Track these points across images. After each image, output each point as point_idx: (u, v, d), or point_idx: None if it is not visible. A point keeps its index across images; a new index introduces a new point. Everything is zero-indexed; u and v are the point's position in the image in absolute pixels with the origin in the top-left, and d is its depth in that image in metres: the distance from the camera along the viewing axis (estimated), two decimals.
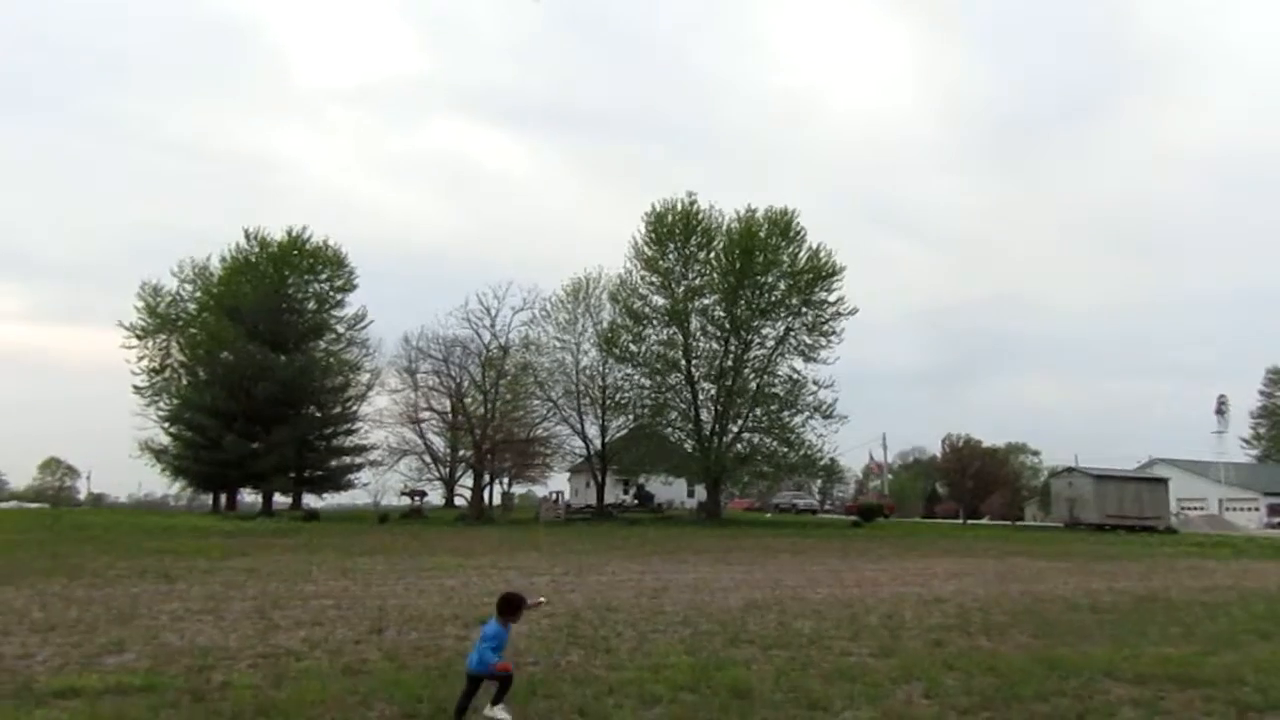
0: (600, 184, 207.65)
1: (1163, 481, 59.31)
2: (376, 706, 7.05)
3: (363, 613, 12.54)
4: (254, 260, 62.03)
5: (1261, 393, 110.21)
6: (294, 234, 62.46)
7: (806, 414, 53.93)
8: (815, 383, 54.10)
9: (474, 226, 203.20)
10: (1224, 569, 24.96)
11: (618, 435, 60.06)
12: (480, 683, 6.63)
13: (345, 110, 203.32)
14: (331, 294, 64.63)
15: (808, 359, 54.41)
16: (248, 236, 62.75)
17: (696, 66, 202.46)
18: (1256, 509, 75.79)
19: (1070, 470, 58.95)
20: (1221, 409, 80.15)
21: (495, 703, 6.63)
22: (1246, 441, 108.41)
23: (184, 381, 63.00)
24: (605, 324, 56.64)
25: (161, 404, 63.72)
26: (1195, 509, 74.28)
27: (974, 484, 68.31)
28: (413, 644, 10.04)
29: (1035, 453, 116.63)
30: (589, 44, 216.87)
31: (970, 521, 65.38)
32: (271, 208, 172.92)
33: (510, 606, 6.92)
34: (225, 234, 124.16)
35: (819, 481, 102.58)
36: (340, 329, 65.10)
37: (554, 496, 64.21)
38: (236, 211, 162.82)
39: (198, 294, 65.33)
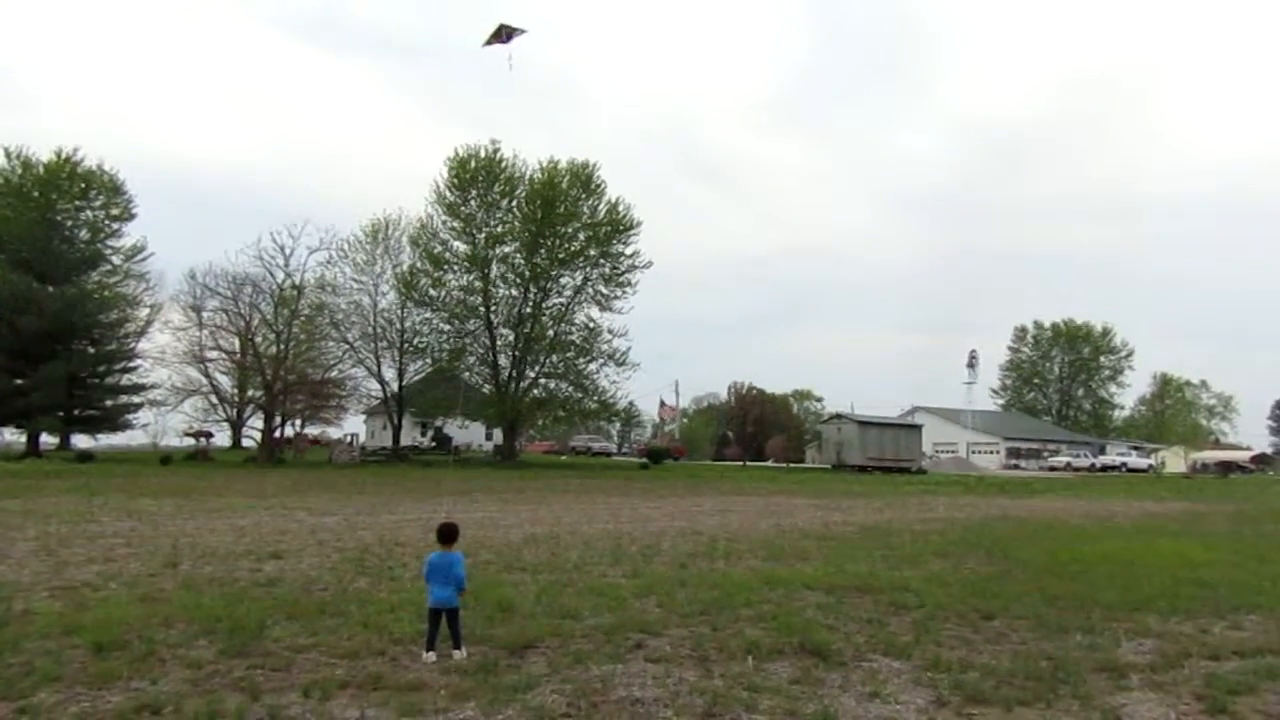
0: (405, 115, 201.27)
1: (917, 427, 65.77)
2: (177, 626, 7.97)
3: (154, 550, 13.10)
4: (16, 182, 56.88)
5: (1010, 348, 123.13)
6: (63, 155, 57.68)
7: (601, 361, 56.23)
8: (610, 331, 56.55)
9: (266, 153, 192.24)
10: (948, 503, 28.83)
11: (416, 378, 60.12)
12: (441, 617, 7.16)
13: (122, 12, 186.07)
14: (107, 223, 60.33)
15: (604, 308, 56.59)
16: (8, 155, 57.39)
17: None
18: (997, 451, 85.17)
19: (838, 416, 64.38)
20: (972, 362, 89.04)
21: (456, 645, 7.18)
22: (995, 391, 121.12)
23: None
24: (405, 267, 56.32)
25: None
26: (947, 452, 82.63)
27: (755, 428, 73.08)
28: (208, 576, 10.85)
29: (819, 399, 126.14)
30: None
31: (751, 464, 69.97)
32: (33, 122, 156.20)
33: (451, 532, 7.44)
34: None
35: (617, 425, 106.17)
36: (117, 260, 61.07)
37: (348, 438, 63.71)
38: None
39: None
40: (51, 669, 6.50)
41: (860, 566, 12.80)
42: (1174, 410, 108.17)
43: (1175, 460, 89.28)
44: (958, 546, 15.75)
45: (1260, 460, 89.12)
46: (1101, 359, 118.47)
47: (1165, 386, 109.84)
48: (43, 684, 6.18)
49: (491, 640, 7.70)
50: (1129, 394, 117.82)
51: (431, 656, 7.07)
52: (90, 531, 15.39)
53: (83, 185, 58.80)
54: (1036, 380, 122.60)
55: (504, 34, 19.84)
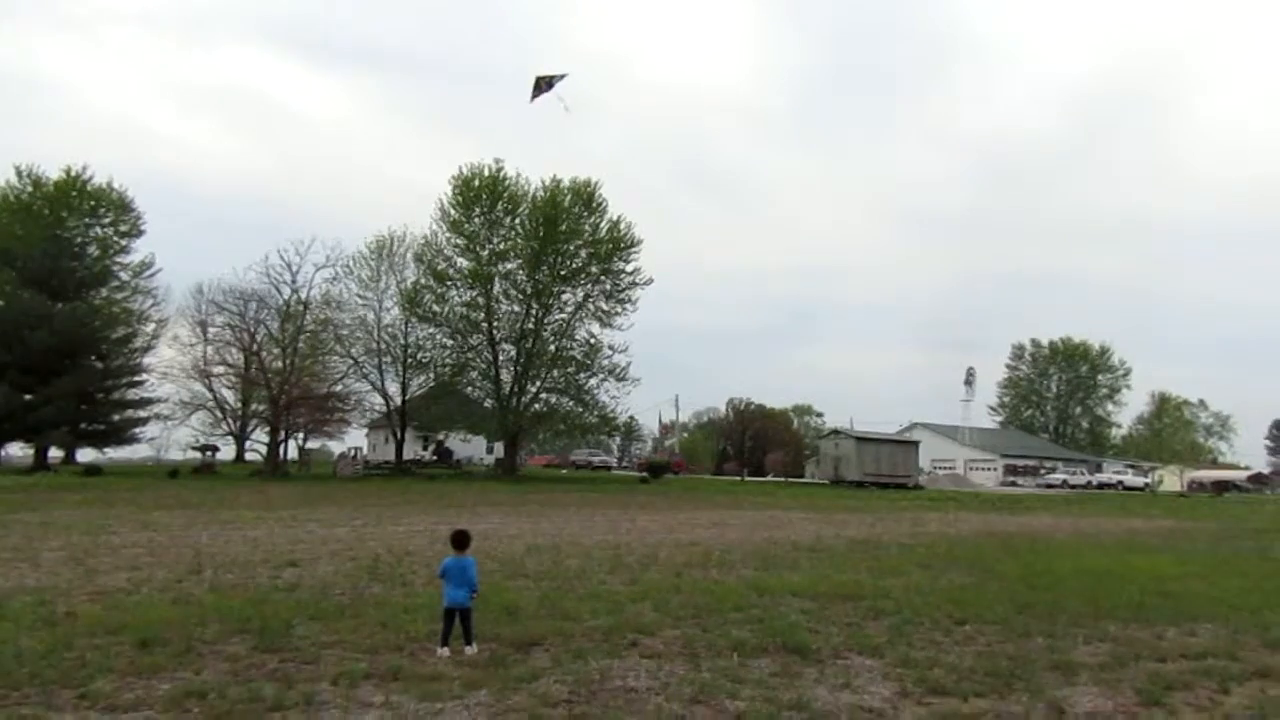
0: (408, 129, 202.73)
1: (914, 444, 66.37)
2: (211, 626, 8.67)
3: (176, 558, 13.81)
4: (27, 200, 57.92)
5: (1007, 366, 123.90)
6: (73, 173, 58.85)
7: (602, 376, 56.97)
8: (611, 347, 57.36)
9: (273, 168, 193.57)
10: (939, 519, 29.45)
11: (418, 393, 60.84)
12: (455, 616, 7.91)
13: (130, 31, 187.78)
14: (116, 239, 61.47)
15: (604, 324, 57.41)
16: (19, 174, 58.61)
17: (515, 13, 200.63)
18: (995, 469, 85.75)
19: (836, 432, 65.07)
20: (969, 380, 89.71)
21: (469, 642, 7.90)
22: (993, 409, 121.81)
23: None
24: (409, 283, 57.12)
25: None
26: (945, 469, 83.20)
27: (754, 443, 73.68)
28: (231, 582, 11.56)
29: (819, 414, 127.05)
30: None
31: (750, 478, 70.56)
32: (47, 139, 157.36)
33: (465, 538, 8.27)
34: None
35: (617, 439, 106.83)
36: (125, 276, 62.17)
37: (352, 452, 64.41)
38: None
39: None
40: (103, 662, 7.22)
41: (845, 576, 13.47)
42: (1172, 429, 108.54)
43: (1172, 479, 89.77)
44: (942, 559, 16.41)
45: (1257, 479, 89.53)
46: (1099, 377, 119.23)
47: (1163, 405, 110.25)
48: (97, 675, 6.89)
49: (499, 638, 8.40)
50: (1127, 412, 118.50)
51: (445, 652, 7.78)
52: (111, 542, 16.07)
53: (92, 203, 59.94)
54: (1034, 398, 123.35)
55: (544, 84, 20.49)
